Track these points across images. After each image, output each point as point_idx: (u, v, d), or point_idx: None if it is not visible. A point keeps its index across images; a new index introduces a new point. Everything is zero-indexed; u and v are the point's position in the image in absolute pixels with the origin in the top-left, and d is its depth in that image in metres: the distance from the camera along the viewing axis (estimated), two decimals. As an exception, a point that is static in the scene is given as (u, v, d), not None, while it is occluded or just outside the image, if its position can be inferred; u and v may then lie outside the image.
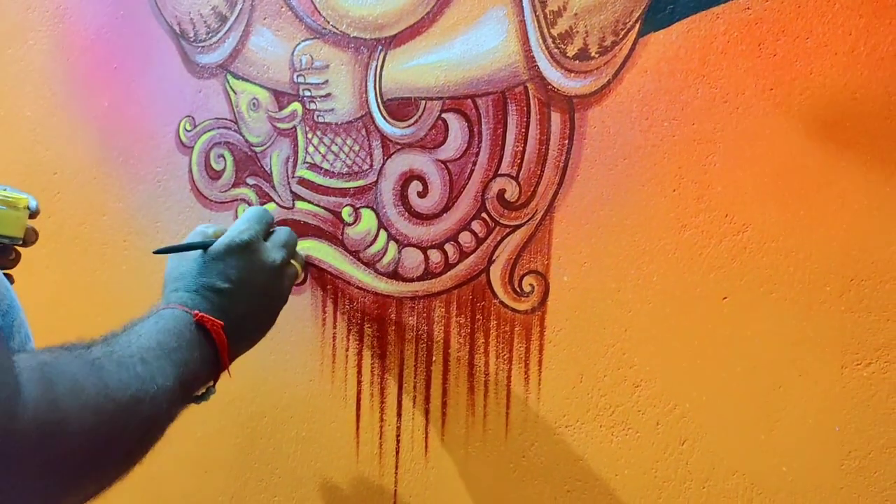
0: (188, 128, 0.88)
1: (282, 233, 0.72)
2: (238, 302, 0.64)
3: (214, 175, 0.87)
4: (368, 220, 0.78)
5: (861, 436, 0.59)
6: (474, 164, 0.73)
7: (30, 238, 0.72)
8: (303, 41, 0.80)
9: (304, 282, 0.80)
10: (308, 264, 0.81)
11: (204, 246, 0.66)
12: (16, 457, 0.41)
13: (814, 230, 0.60)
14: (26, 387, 0.42)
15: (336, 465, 0.82)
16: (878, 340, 0.58)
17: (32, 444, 0.42)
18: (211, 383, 0.63)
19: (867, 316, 0.59)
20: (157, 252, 0.69)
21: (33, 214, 0.72)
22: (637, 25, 0.65)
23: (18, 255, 0.74)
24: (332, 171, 0.80)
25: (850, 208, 0.59)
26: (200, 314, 0.60)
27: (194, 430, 0.90)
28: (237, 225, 0.68)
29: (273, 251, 0.69)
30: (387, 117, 0.77)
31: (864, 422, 0.59)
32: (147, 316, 0.59)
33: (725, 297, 0.63)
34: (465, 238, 0.74)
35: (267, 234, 0.71)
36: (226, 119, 0.86)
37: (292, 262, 0.73)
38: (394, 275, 0.78)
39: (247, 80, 0.84)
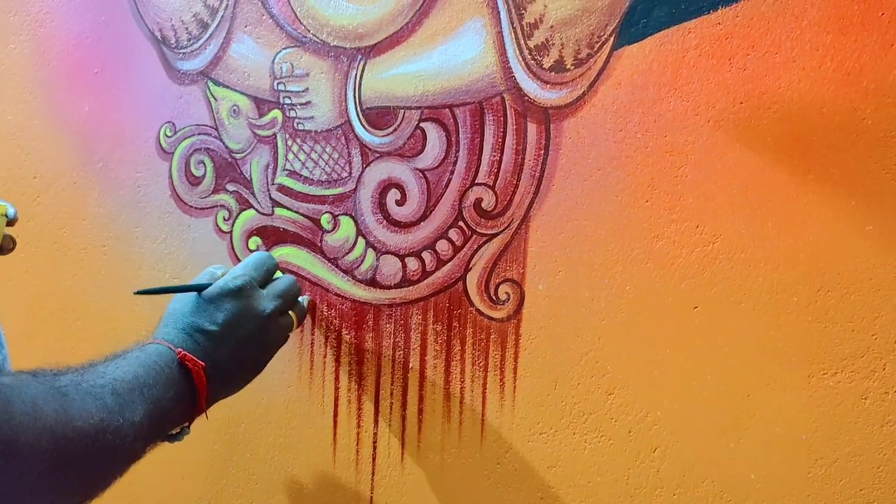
0: (168, 133, 0.88)
1: (281, 282, 0.72)
2: (223, 346, 0.64)
3: (194, 181, 0.87)
4: (347, 227, 0.79)
5: (828, 444, 0.60)
6: (452, 172, 0.74)
7: (7, 246, 0.72)
8: (283, 49, 0.81)
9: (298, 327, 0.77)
10: (309, 308, 0.81)
11: (199, 288, 0.67)
12: None
13: (781, 242, 0.61)
14: None
15: (313, 472, 0.82)
16: (843, 350, 0.60)
17: None
18: (186, 424, 0.63)
19: (833, 326, 0.60)
20: (140, 293, 0.70)
21: (11, 222, 0.72)
22: (611, 38, 0.66)
23: None
24: (312, 179, 0.81)
25: (817, 220, 0.60)
26: (183, 353, 0.61)
27: (172, 436, 0.90)
28: (235, 269, 0.69)
29: (267, 300, 0.69)
30: (366, 126, 0.77)
31: (831, 430, 0.60)
32: (131, 348, 0.60)
33: (696, 307, 0.64)
34: (443, 246, 0.74)
35: (266, 281, 0.71)
36: (206, 125, 0.86)
37: (290, 312, 0.72)
38: (372, 282, 0.78)
39: (227, 87, 0.85)
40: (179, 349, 0.61)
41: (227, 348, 0.65)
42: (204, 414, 0.64)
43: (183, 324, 0.64)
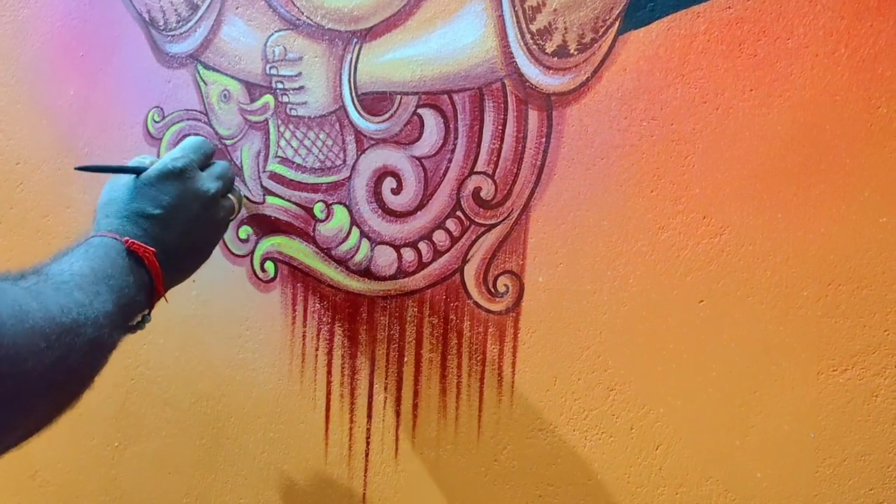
0: (157, 119, 0.85)
1: (219, 165, 0.71)
2: (170, 229, 0.63)
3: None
4: (341, 216, 0.77)
5: (836, 443, 0.59)
6: (450, 161, 0.71)
7: None
8: (276, 32, 0.78)
9: (237, 215, 0.76)
10: (245, 199, 0.80)
11: (135, 171, 0.64)
12: None
13: (791, 234, 0.59)
14: None
15: (304, 467, 0.80)
16: (854, 346, 0.58)
17: None
18: (146, 311, 0.61)
19: (844, 321, 0.58)
20: (80, 168, 0.68)
21: None
22: (617, 23, 0.64)
23: None
24: (305, 166, 0.78)
25: (829, 212, 0.58)
26: (131, 241, 0.59)
27: (159, 430, 0.87)
28: (173, 152, 0.67)
29: (208, 181, 0.67)
30: (361, 112, 0.75)
31: (840, 428, 0.59)
32: (76, 245, 0.58)
33: (702, 301, 0.62)
34: (440, 236, 0.72)
35: (204, 165, 0.69)
36: (196, 111, 0.83)
37: (229, 195, 0.71)
38: (366, 273, 0.76)
39: (218, 71, 0.82)
40: (126, 238, 0.59)
41: (175, 231, 0.63)
42: (163, 298, 0.63)
43: (127, 211, 0.62)
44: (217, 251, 0.83)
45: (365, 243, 0.76)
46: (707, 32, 0.61)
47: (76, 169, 0.69)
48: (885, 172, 0.56)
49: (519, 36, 0.68)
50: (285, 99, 0.78)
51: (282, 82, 0.78)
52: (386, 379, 0.75)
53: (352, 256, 0.76)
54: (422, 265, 0.73)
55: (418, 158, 0.73)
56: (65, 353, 0.48)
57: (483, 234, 0.70)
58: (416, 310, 0.74)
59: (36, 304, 0.47)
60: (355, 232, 0.76)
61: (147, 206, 0.62)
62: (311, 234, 0.78)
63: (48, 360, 0.46)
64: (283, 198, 0.79)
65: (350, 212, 0.76)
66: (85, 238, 0.59)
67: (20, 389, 0.45)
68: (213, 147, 0.71)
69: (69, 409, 0.51)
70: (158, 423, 0.88)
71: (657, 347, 0.64)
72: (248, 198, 0.81)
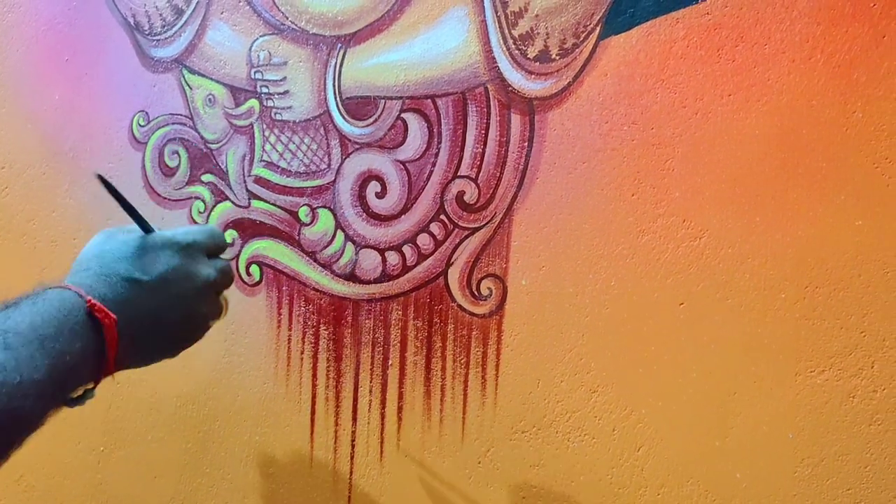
0: (142, 123, 0.86)
1: (224, 261, 0.62)
2: (148, 300, 0.54)
3: (168, 172, 0.84)
4: (326, 220, 0.77)
5: (814, 443, 0.59)
6: (433, 165, 0.72)
7: None
8: (261, 37, 0.79)
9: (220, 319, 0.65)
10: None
11: (146, 227, 0.58)
12: None
13: (770, 237, 0.60)
14: None
15: (290, 471, 0.80)
16: (831, 348, 0.58)
17: None
18: (91, 385, 0.52)
19: (821, 323, 0.59)
20: (101, 178, 0.56)
21: None
22: (598, 28, 0.65)
23: None
24: (290, 170, 0.78)
25: (806, 216, 0.59)
26: (93, 301, 0.50)
27: (144, 434, 0.87)
28: (186, 228, 0.59)
29: (209, 267, 0.59)
30: (346, 116, 0.75)
31: (818, 429, 0.59)
32: (27, 295, 0.50)
33: (682, 303, 0.63)
34: (424, 240, 0.73)
35: (212, 254, 0.61)
36: (181, 115, 0.83)
37: (221, 297, 0.62)
38: (351, 276, 0.76)
39: (203, 76, 0.82)
40: (90, 297, 0.50)
41: (152, 304, 0.54)
42: (111, 376, 0.53)
43: (108, 269, 0.53)
44: (202, 255, 0.83)
45: (350, 247, 0.76)
46: (686, 38, 0.62)
47: (97, 175, 0.57)
48: (861, 176, 0.57)
49: (501, 41, 0.68)
50: (270, 103, 0.79)
51: (267, 87, 0.79)
52: (371, 382, 0.76)
53: (337, 260, 0.77)
54: (406, 269, 0.74)
55: (402, 162, 0.73)
56: None
57: (466, 237, 0.71)
58: (400, 313, 0.74)
59: None
60: (340, 235, 0.76)
61: (135, 271, 0.54)
62: (297, 237, 0.79)
63: None
64: (268, 202, 0.80)
65: (335, 215, 0.76)
66: (42, 288, 0.51)
67: None
68: (225, 241, 0.64)
69: None
70: (144, 428, 0.88)
71: (639, 350, 0.65)
72: (234, 202, 0.81)
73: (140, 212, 0.58)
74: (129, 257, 0.54)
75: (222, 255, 0.63)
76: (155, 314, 0.54)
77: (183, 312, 0.57)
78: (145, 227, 0.57)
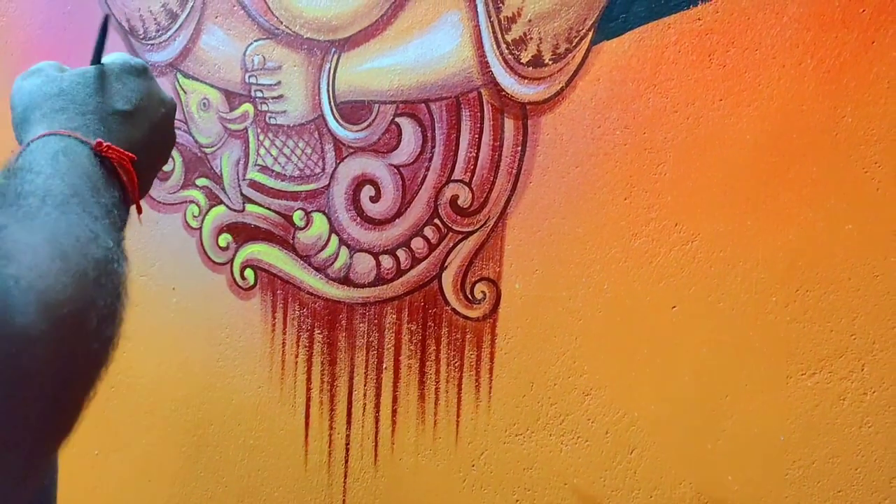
0: (136, 127, 0.85)
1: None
2: (137, 130, 0.51)
3: (163, 176, 0.85)
4: (320, 224, 0.77)
5: (805, 445, 0.60)
6: (427, 169, 0.72)
7: None
8: (255, 41, 0.79)
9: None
10: None
11: (97, 55, 0.52)
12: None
13: (760, 241, 0.60)
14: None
15: (284, 474, 0.80)
16: (822, 351, 0.59)
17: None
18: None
19: (812, 326, 0.59)
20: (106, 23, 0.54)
21: None
22: (590, 33, 0.65)
23: None
24: (284, 174, 0.79)
25: (796, 220, 0.59)
26: (105, 144, 0.46)
27: (139, 438, 0.87)
28: (122, 54, 0.54)
29: (163, 91, 0.56)
30: (340, 120, 0.75)
31: (809, 431, 0.60)
32: (27, 151, 0.45)
33: (674, 306, 0.63)
34: (418, 244, 0.73)
35: None
36: (175, 119, 0.83)
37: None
38: (345, 280, 0.76)
39: (197, 80, 0.82)
40: (98, 140, 0.46)
41: (141, 134, 0.51)
42: (139, 213, 0.51)
43: (90, 107, 0.49)
44: (196, 259, 0.83)
45: (344, 251, 0.76)
46: (678, 43, 0.62)
47: (106, 15, 0.54)
48: (851, 181, 0.58)
49: (495, 46, 0.69)
50: (264, 107, 0.79)
51: (261, 91, 0.79)
52: (365, 385, 0.76)
53: (331, 264, 0.77)
54: (400, 272, 0.74)
55: (396, 166, 0.73)
56: (107, 294, 0.37)
57: (460, 241, 0.71)
58: (394, 317, 0.74)
59: (64, 235, 0.37)
60: (334, 239, 0.77)
61: (117, 102, 0.50)
62: (291, 241, 0.79)
63: (100, 302, 0.36)
64: (262, 206, 0.80)
65: (329, 220, 0.77)
66: (32, 144, 0.45)
67: (77, 352, 0.35)
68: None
69: (114, 348, 0.38)
70: (138, 431, 0.88)
71: (631, 352, 0.65)
72: (228, 206, 0.81)
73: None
74: (100, 90, 0.50)
75: None
76: (144, 142, 0.51)
77: (162, 136, 0.55)
78: (99, 58, 0.52)
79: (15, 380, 0.30)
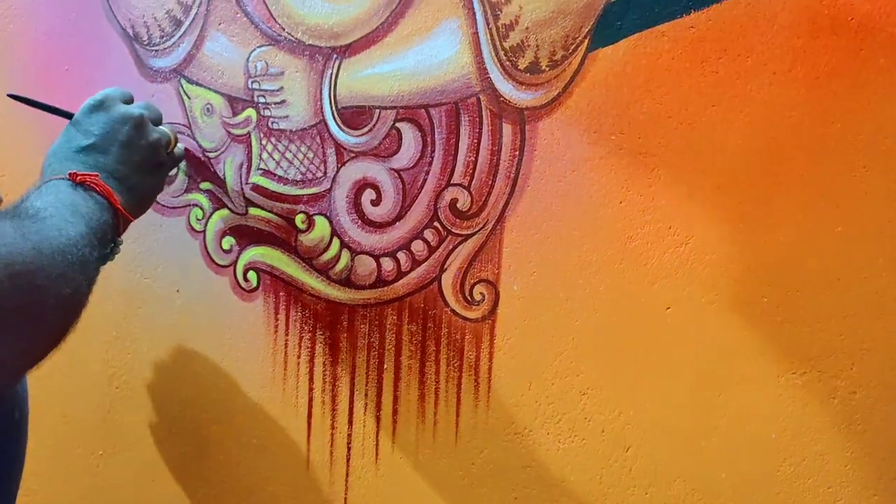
0: (141, 132, 0.87)
1: (143, 102, 0.74)
2: (108, 154, 0.66)
3: (167, 180, 0.86)
4: (322, 227, 0.79)
5: (796, 442, 0.61)
6: (427, 173, 0.73)
7: None
8: (258, 47, 0.80)
9: (175, 146, 0.77)
10: (178, 141, 0.79)
11: (67, 115, 0.70)
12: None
13: (752, 243, 0.62)
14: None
15: (287, 473, 0.82)
16: (812, 351, 0.60)
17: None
18: (117, 237, 0.65)
19: (802, 327, 0.61)
20: (12, 96, 0.73)
21: None
22: (586, 41, 0.67)
23: None
24: (286, 178, 0.80)
25: (787, 222, 0.61)
26: (73, 172, 0.61)
27: (143, 438, 0.89)
28: (93, 96, 0.71)
29: (132, 108, 0.70)
30: (341, 125, 0.77)
31: (800, 429, 0.61)
32: (27, 194, 0.59)
33: (669, 307, 0.65)
34: (418, 246, 0.74)
35: (125, 101, 0.73)
36: (179, 124, 0.85)
37: (161, 127, 0.74)
38: (346, 282, 0.78)
39: (201, 85, 0.84)
40: (70, 172, 0.62)
41: (112, 155, 0.67)
42: (129, 217, 0.66)
43: (62, 153, 0.66)
44: (200, 261, 0.84)
45: (345, 253, 0.78)
46: (672, 51, 0.64)
47: (9, 95, 0.74)
48: (840, 184, 0.59)
49: (493, 52, 0.70)
50: (267, 112, 0.80)
51: (264, 96, 0.80)
52: (366, 385, 0.77)
53: (333, 266, 0.78)
54: (401, 274, 0.75)
55: (397, 171, 0.75)
56: (63, 268, 0.52)
57: (460, 243, 0.73)
58: (395, 318, 0.76)
59: (34, 228, 0.52)
60: (336, 242, 0.78)
61: (79, 140, 0.66)
62: (293, 244, 0.80)
63: (54, 273, 0.51)
64: (265, 209, 0.81)
65: (331, 222, 0.78)
66: (32, 188, 0.61)
67: (37, 302, 0.49)
68: (130, 93, 0.74)
69: (71, 327, 0.54)
70: (143, 432, 0.89)
71: (627, 352, 0.67)
72: (231, 209, 0.83)
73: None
74: (70, 138, 0.67)
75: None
76: (119, 159, 0.67)
77: (138, 148, 0.69)
78: (69, 116, 0.70)
79: None
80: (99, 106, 0.69)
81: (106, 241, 0.62)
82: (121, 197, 0.65)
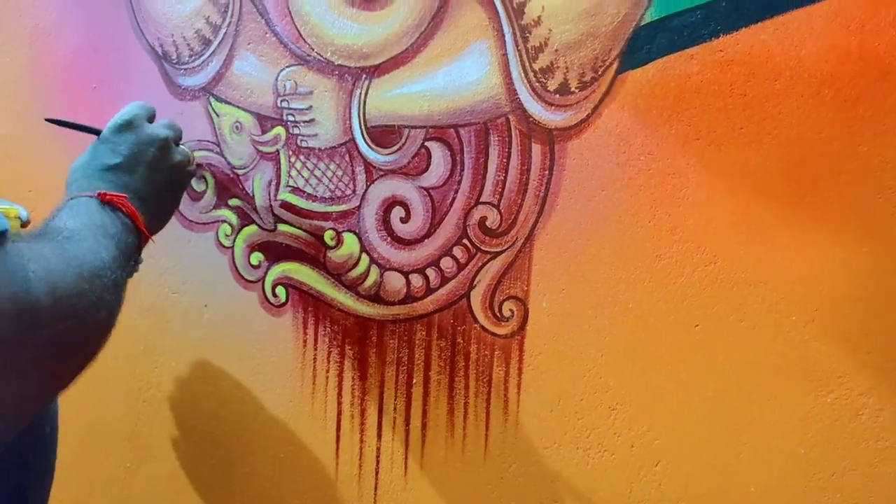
0: (169, 149, 0.88)
1: (165, 120, 0.76)
2: (134, 174, 0.68)
3: (195, 196, 0.87)
4: (351, 243, 0.80)
5: (825, 458, 0.63)
6: (456, 191, 0.75)
7: None
8: (287, 67, 0.82)
9: (194, 168, 0.80)
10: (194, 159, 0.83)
11: (96, 132, 0.71)
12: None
13: (780, 262, 0.63)
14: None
15: (315, 486, 0.83)
16: (840, 369, 0.62)
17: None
18: (138, 255, 0.67)
19: (830, 345, 0.62)
20: (49, 120, 0.76)
21: (24, 224, 0.73)
22: (615, 63, 0.68)
23: None
24: (315, 195, 0.81)
25: (814, 242, 0.62)
26: (101, 192, 0.63)
27: (170, 450, 0.90)
28: (116, 116, 0.72)
29: (158, 128, 0.73)
30: (370, 144, 0.78)
31: (828, 445, 0.63)
32: (56, 212, 0.61)
33: (697, 325, 0.66)
34: (447, 263, 0.76)
35: (150, 121, 0.75)
36: (208, 141, 0.86)
37: (182, 147, 0.76)
38: (375, 298, 0.79)
39: (230, 104, 0.85)
40: (97, 192, 0.63)
41: (139, 175, 0.68)
42: (150, 239, 0.69)
43: (90, 170, 0.67)
44: (228, 276, 0.86)
45: (374, 269, 0.79)
46: (700, 73, 0.65)
47: (46, 120, 0.77)
48: (867, 206, 0.60)
49: (522, 74, 0.71)
50: (296, 131, 0.82)
51: (293, 115, 0.82)
52: (395, 400, 0.79)
53: (362, 282, 0.80)
54: (430, 290, 0.77)
55: (426, 189, 0.76)
56: (101, 292, 0.53)
57: (489, 261, 0.74)
58: (424, 333, 0.77)
59: (73, 251, 0.53)
60: (365, 258, 0.79)
61: (107, 159, 0.68)
62: (322, 260, 0.81)
63: (94, 297, 0.52)
64: (294, 225, 0.83)
65: (360, 239, 0.79)
66: (62, 204, 0.62)
67: (77, 327, 0.50)
68: (153, 109, 0.75)
69: (102, 348, 0.55)
70: (170, 445, 0.90)
71: (656, 369, 0.68)
72: (260, 226, 0.84)
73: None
74: (97, 155, 0.69)
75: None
76: (145, 180, 0.69)
77: (163, 170, 0.71)
78: (96, 132, 0.72)
79: (28, 328, 0.46)
80: (126, 126, 0.70)
81: (129, 260, 0.63)
82: (144, 217, 0.67)
